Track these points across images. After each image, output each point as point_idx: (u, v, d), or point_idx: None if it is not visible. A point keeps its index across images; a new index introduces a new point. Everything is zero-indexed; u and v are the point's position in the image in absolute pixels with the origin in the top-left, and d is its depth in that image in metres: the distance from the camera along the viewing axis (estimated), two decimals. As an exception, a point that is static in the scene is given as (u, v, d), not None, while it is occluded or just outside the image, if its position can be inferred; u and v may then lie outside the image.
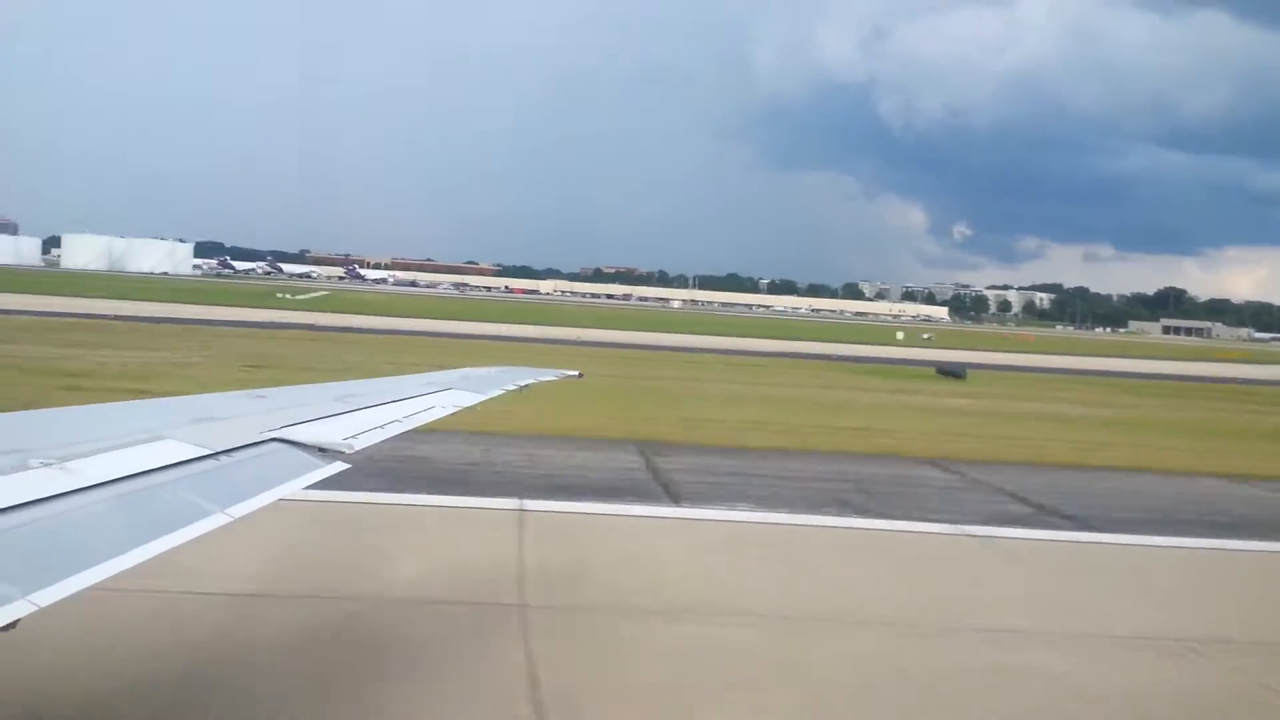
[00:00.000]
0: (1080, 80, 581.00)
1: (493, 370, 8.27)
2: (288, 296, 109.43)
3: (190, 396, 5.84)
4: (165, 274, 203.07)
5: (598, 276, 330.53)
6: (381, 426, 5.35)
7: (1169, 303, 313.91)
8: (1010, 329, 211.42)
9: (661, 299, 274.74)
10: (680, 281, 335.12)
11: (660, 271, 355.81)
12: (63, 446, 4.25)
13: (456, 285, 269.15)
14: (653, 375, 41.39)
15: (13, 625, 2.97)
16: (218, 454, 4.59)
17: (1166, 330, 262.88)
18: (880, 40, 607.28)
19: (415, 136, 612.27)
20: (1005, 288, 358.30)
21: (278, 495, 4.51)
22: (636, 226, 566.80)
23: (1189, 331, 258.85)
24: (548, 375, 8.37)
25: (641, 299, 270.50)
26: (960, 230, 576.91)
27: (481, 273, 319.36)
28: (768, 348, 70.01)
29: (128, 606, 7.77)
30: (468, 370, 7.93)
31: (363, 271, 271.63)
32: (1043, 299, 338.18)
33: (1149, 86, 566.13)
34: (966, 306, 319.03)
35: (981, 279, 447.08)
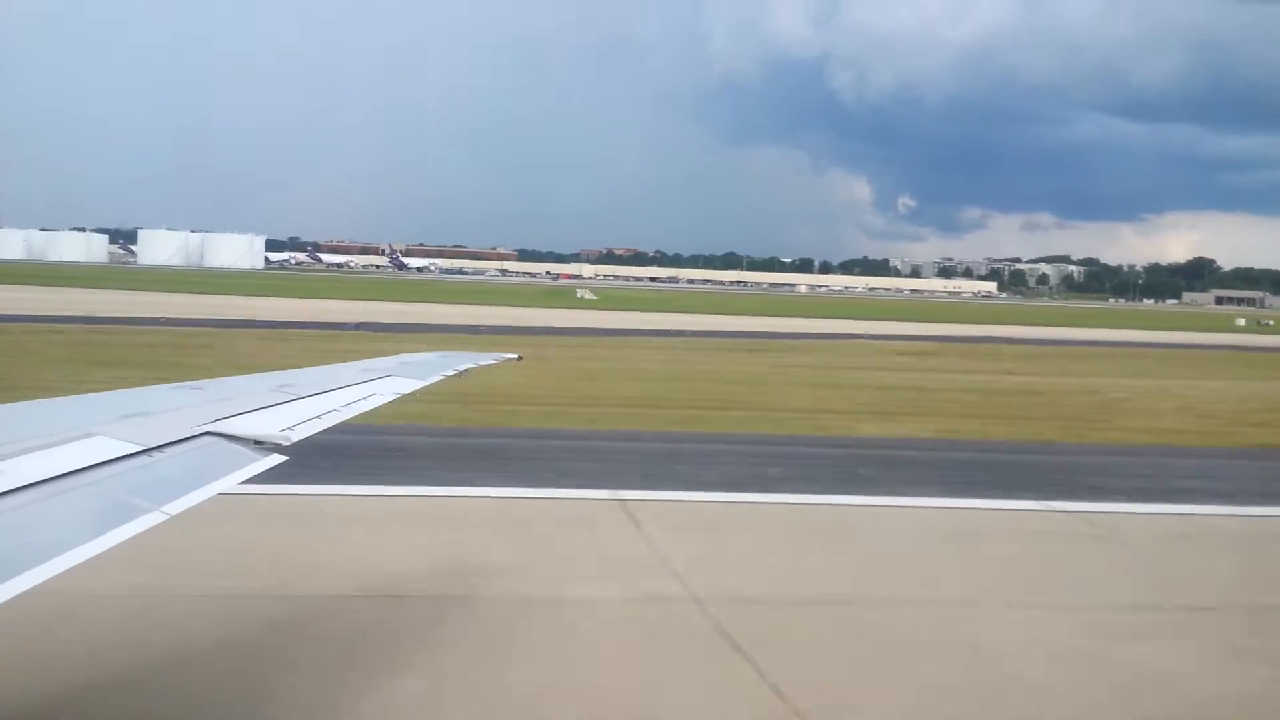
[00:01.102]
0: (1031, 50, 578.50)
1: (431, 355, 8.15)
2: (585, 295, 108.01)
3: (121, 390, 5.70)
4: (252, 269, 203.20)
5: (609, 259, 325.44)
6: (319, 416, 5.24)
7: (1202, 272, 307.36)
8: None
9: (709, 280, 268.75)
10: (677, 261, 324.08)
11: (657, 251, 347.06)
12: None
13: (502, 272, 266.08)
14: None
15: None
16: (150, 450, 4.45)
17: (1219, 301, 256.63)
18: (834, 14, 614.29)
19: (379, 115, 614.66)
20: (1016, 260, 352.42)
21: (214, 491, 4.38)
22: (610, 205, 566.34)
23: (1239, 301, 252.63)
24: (486, 359, 8.18)
25: (689, 281, 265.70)
26: (904, 202, 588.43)
27: (502, 258, 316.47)
28: (1115, 337, 65.76)
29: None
30: (406, 356, 7.79)
31: (405, 260, 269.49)
32: (1077, 272, 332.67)
33: (1099, 54, 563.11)
34: (1006, 281, 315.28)
35: (924, 250, 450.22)
